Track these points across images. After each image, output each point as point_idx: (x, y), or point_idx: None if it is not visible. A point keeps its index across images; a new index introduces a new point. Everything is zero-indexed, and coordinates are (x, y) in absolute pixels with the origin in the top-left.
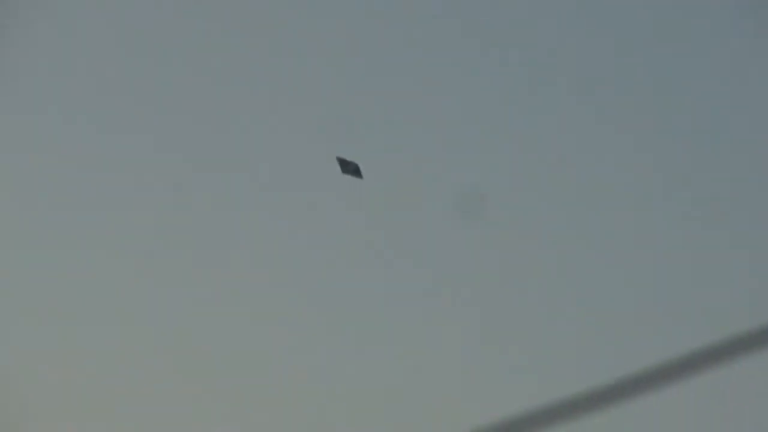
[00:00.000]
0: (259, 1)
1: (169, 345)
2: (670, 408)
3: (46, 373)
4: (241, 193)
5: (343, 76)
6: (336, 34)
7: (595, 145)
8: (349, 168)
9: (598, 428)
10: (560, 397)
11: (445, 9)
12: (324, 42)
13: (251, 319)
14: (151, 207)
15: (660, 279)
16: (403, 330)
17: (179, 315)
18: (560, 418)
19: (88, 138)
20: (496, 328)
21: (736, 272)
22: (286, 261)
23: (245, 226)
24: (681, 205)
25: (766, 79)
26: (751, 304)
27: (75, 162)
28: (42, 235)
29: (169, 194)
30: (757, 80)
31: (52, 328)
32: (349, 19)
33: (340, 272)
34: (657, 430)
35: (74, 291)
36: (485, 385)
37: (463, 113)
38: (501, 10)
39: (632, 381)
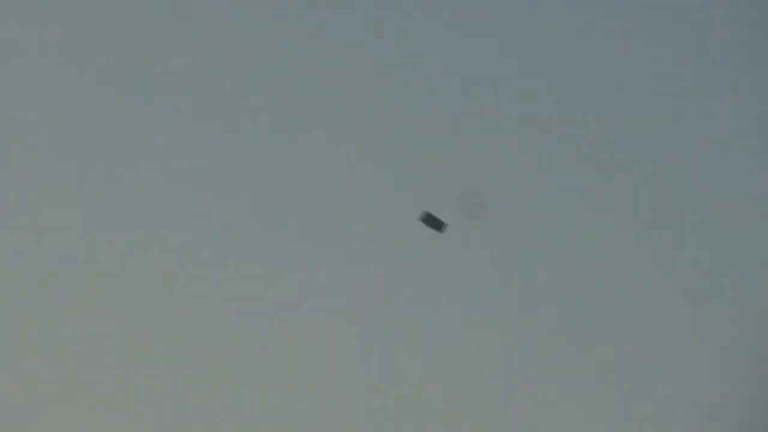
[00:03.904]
0: (260, 2)
1: (169, 344)
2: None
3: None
4: (241, 193)
5: (343, 76)
6: (337, 35)
7: (597, 147)
8: (435, 223)
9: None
10: (557, 394)
11: (444, 11)
12: (325, 43)
13: (250, 320)
14: (150, 207)
15: (659, 280)
16: (401, 329)
17: (178, 313)
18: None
19: (86, 137)
20: (494, 327)
21: (733, 268)
22: (284, 261)
23: (245, 225)
24: (680, 206)
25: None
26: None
27: (75, 162)
28: (41, 234)
29: (169, 193)
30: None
31: (50, 325)
32: (348, 19)
33: (339, 272)
34: None
35: (74, 289)
36: (483, 385)
37: (464, 114)
38: (501, 12)
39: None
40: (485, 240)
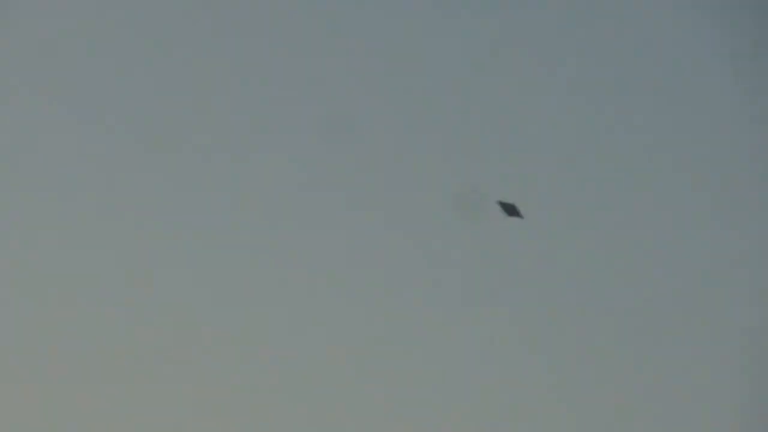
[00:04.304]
0: (261, 2)
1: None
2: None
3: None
4: (241, 193)
5: (343, 76)
6: (336, 35)
7: (598, 145)
8: (510, 210)
9: None
10: (560, 391)
11: (445, 11)
12: (325, 42)
13: (249, 319)
14: (150, 208)
15: (662, 280)
16: (401, 329)
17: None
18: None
19: (83, 136)
20: (495, 327)
21: (738, 270)
22: (285, 261)
23: (246, 225)
24: (684, 204)
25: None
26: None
27: (73, 161)
28: (40, 232)
29: (170, 192)
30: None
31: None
32: (348, 20)
33: (339, 271)
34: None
35: (74, 287)
36: (484, 383)
37: (464, 113)
38: (502, 12)
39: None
40: (485, 239)
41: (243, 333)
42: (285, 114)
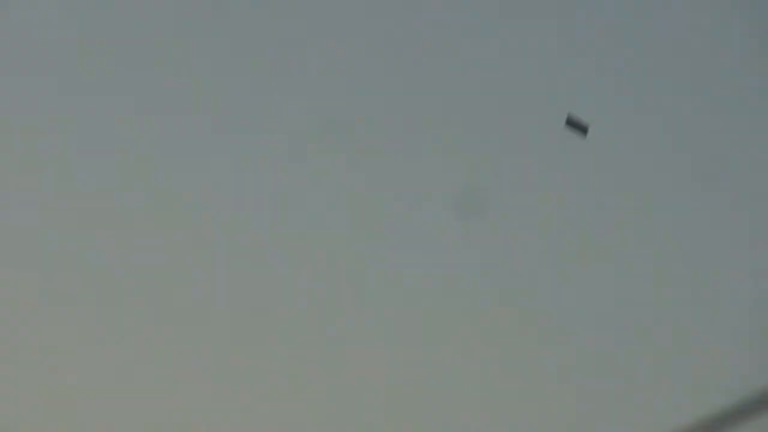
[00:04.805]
0: (259, 1)
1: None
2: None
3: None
4: (239, 192)
5: (342, 75)
6: (335, 33)
7: (600, 144)
8: (577, 126)
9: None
10: (557, 396)
11: (445, 8)
12: (324, 41)
13: (246, 322)
14: (148, 209)
15: (664, 281)
16: (400, 333)
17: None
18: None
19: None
20: (495, 330)
21: (738, 271)
22: (282, 262)
23: (242, 226)
24: (686, 204)
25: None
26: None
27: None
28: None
29: (167, 192)
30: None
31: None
32: (347, 17)
33: (337, 272)
34: None
35: (69, 281)
36: (482, 389)
37: (464, 113)
38: (502, 10)
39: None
40: (485, 240)
41: (239, 335)
42: (283, 112)
